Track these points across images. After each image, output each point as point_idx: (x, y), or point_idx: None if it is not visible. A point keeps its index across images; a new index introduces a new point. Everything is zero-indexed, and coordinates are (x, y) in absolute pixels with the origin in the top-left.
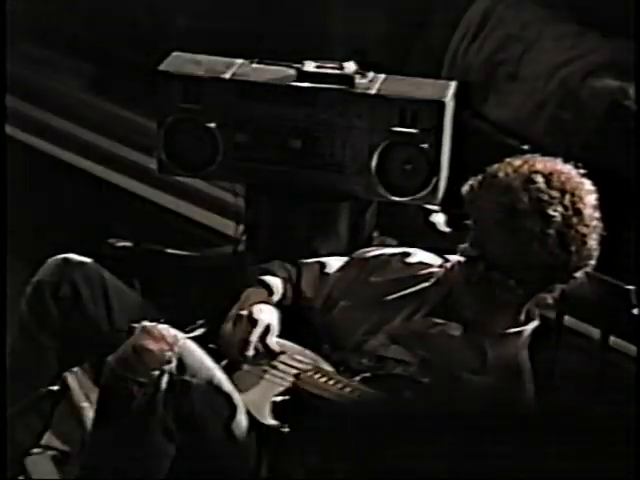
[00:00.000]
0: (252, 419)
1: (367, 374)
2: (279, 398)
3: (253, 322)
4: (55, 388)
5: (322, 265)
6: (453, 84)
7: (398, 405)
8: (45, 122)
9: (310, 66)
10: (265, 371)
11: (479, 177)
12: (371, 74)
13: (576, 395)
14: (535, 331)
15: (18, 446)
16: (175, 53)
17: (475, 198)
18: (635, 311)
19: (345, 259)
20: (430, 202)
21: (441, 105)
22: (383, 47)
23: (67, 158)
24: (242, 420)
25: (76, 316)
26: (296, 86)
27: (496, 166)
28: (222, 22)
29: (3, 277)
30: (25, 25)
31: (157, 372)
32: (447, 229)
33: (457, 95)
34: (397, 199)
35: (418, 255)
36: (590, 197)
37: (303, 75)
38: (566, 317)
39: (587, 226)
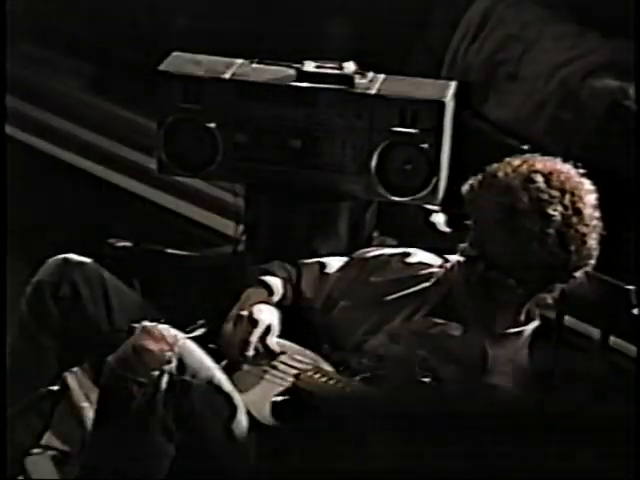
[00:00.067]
0: (252, 419)
1: (367, 374)
2: (279, 398)
3: (253, 322)
4: (55, 388)
5: (322, 265)
6: (453, 84)
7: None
8: (45, 122)
9: (310, 66)
10: (265, 371)
11: (479, 177)
12: (371, 74)
13: (576, 395)
14: (535, 331)
15: (18, 446)
16: (175, 53)
17: (475, 198)
18: (635, 311)
19: (345, 259)
20: (430, 202)
21: (441, 105)
22: (383, 47)
23: (67, 158)
24: (242, 420)
25: (76, 316)
26: (296, 86)
27: (496, 166)
28: (222, 22)
29: (3, 277)
30: (25, 25)
31: (157, 372)
32: (447, 229)
33: (457, 95)
34: (397, 199)
35: (418, 255)
36: (590, 197)
37: (303, 75)
38: (566, 317)
39: (587, 226)
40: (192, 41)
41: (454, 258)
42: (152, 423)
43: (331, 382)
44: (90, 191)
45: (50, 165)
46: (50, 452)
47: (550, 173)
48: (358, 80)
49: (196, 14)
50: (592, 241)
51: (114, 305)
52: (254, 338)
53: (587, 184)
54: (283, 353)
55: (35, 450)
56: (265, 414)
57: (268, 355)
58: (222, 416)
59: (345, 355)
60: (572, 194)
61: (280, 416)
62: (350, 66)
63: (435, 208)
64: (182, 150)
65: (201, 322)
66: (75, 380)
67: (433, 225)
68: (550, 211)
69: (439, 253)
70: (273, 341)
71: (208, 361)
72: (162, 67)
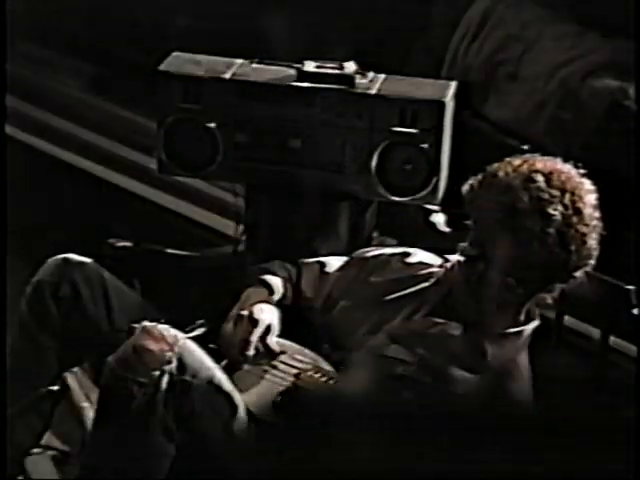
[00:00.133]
0: (252, 419)
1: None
2: (279, 398)
3: (254, 322)
4: (55, 388)
5: (322, 265)
6: (453, 84)
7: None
8: (45, 122)
9: (310, 66)
10: (265, 371)
11: (479, 176)
12: (371, 74)
13: (576, 395)
14: (535, 331)
15: (18, 446)
16: (175, 53)
17: (475, 197)
18: (635, 311)
19: (345, 259)
20: (430, 202)
21: (441, 105)
22: (383, 47)
23: (67, 158)
24: (242, 420)
25: (76, 316)
26: (296, 86)
27: (496, 165)
28: (222, 22)
29: (3, 277)
30: (25, 25)
31: (157, 372)
32: (447, 229)
33: (457, 95)
34: (397, 199)
35: (418, 255)
36: (590, 197)
37: (303, 75)
38: (566, 317)
39: (587, 225)
40: (192, 41)
41: (454, 258)
42: (152, 423)
43: (331, 382)
44: (90, 191)
45: (50, 165)
46: (50, 452)
47: (551, 173)
48: (358, 80)
49: (196, 14)
50: (592, 241)
51: (114, 305)
52: (254, 338)
53: (587, 184)
54: (283, 353)
55: (35, 450)
56: (265, 414)
57: (268, 355)
58: (222, 416)
59: (345, 355)
60: (572, 194)
61: (281, 416)
62: (350, 66)
63: (435, 208)
64: (182, 150)
65: (201, 322)
66: (75, 380)
67: (433, 225)
68: (550, 211)
69: (439, 253)
70: (273, 341)
71: (208, 361)
72: (162, 67)
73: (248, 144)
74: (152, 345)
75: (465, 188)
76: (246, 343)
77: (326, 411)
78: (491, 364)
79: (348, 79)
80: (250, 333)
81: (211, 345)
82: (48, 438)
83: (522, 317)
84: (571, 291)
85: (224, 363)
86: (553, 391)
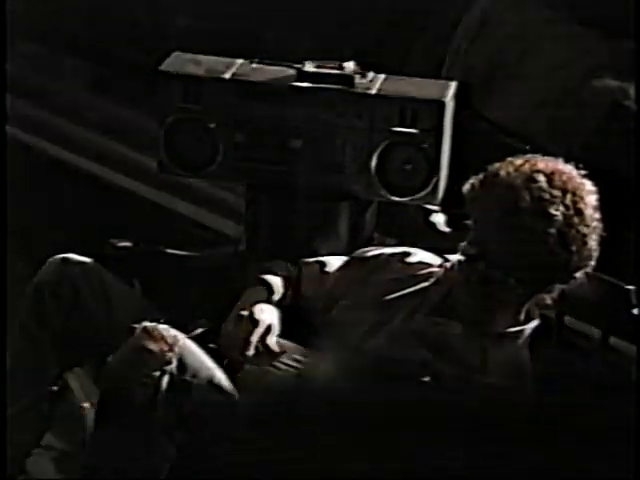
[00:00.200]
0: (252, 418)
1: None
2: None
3: (254, 322)
4: (55, 388)
5: (322, 264)
6: (453, 84)
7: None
8: (45, 122)
9: (310, 66)
10: (266, 371)
11: (480, 176)
12: (371, 74)
13: (576, 395)
14: (535, 331)
15: (18, 446)
16: (175, 53)
17: (476, 197)
18: (635, 311)
19: (345, 259)
20: (430, 202)
21: (441, 105)
22: (383, 47)
23: (67, 158)
24: (242, 420)
25: (76, 316)
26: (296, 86)
27: (497, 165)
28: (222, 22)
29: (3, 277)
30: (25, 25)
31: (157, 372)
32: (447, 229)
33: (457, 95)
34: (397, 199)
35: (418, 255)
36: (591, 197)
37: (303, 75)
38: (566, 317)
39: (588, 226)
40: (192, 41)
41: (454, 258)
42: (152, 423)
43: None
44: (90, 191)
45: (50, 165)
46: (50, 452)
47: (552, 173)
48: (358, 80)
49: (196, 14)
50: (592, 242)
51: (114, 305)
52: (255, 338)
53: (588, 185)
54: (283, 353)
55: (35, 450)
56: (265, 413)
57: (268, 355)
58: (222, 416)
59: (345, 355)
60: (574, 194)
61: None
62: (350, 66)
63: (435, 208)
64: (182, 150)
65: (201, 322)
66: (75, 380)
67: (433, 225)
68: (552, 211)
69: (439, 253)
70: (273, 341)
71: (208, 361)
72: (162, 67)
73: (248, 144)
74: (152, 345)
75: (466, 187)
76: (246, 343)
77: (325, 414)
78: (491, 363)
79: (348, 79)
80: (250, 333)
81: (211, 345)
82: (48, 438)
83: (522, 317)
84: (571, 291)
85: (224, 363)
86: (553, 391)
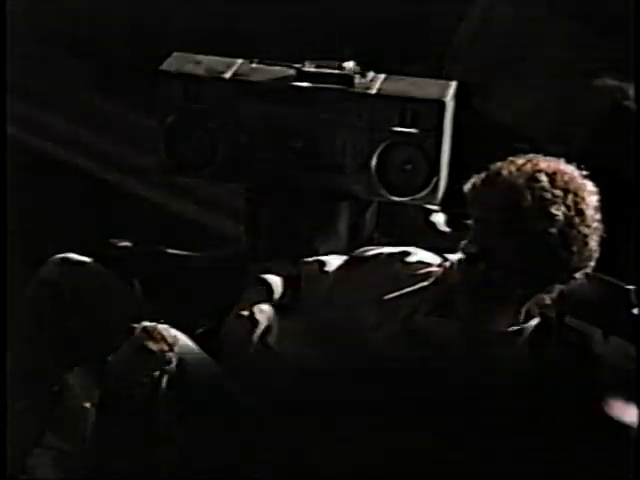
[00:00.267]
0: (253, 418)
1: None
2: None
3: (254, 322)
4: (55, 388)
5: (322, 264)
6: (453, 84)
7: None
8: (45, 122)
9: (310, 66)
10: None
11: (482, 175)
12: (371, 74)
13: (576, 395)
14: (535, 330)
15: (18, 446)
16: (175, 53)
17: (477, 196)
18: (635, 311)
19: (345, 258)
20: (430, 202)
21: (441, 105)
22: (383, 47)
23: (67, 158)
24: (242, 420)
25: (76, 316)
26: (296, 86)
27: (499, 164)
28: (222, 22)
29: (3, 277)
30: (25, 25)
31: (157, 372)
32: (447, 229)
33: (457, 95)
34: (397, 199)
35: (418, 254)
36: (592, 198)
37: (303, 75)
38: (566, 317)
39: (589, 227)
40: (192, 41)
41: (454, 257)
42: (152, 423)
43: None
44: (90, 191)
45: (50, 165)
46: (50, 452)
47: (554, 173)
48: (358, 80)
49: (196, 14)
50: (593, 243)
51: (114, 305)
52: (255, 338)
53: (590, 186)
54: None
55: (35, 450)
56: (266, 413)
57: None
58: (222, 415)
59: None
60: (575, 195)
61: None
62: (350, 66)
63: (435, 208)
64: (182, 150)
65: (202, 322)
66: (75, 380)
67: (433, 225)
68: (553, 211)
69: (439, 253)
70: (273, 340)
71: (208, 361)
72: (162, 67)
73: (248, 144)
74: (152, 345)
75: (467, 186)
76: (246, 343)
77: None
78: (491, 363)
79: (348, 79)
80: (250, 333)
81: (211, 345)
82: (48, 438)
83: (522, 316)
84: (571, 291)
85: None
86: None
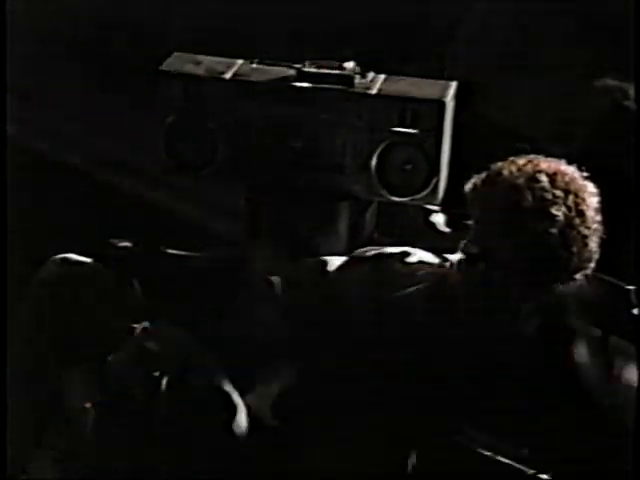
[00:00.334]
0: (252, 419)
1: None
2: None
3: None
4: (55, 388)
5: (322, 264)
6: (453, 84)
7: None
8: (45, 122)
9: (310, 66)
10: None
11: (482, 175)
12: (371, 74)
13: (575, 395)
14: (535, 330)
15: (18, 446)
16: (175, 53)
17: (478, 196)
18: (635, 311)
19: (345, 258)
20: (430, 202)
21: (441, 105)
22: (383, 47)
23: (67, 158)
24: (242, 420)
25: (76, 316)
26: (296, 86)
27: (500, 164)
28: (222, 22)
29: (3, 277)
30: (25, 25)
31: (157, 373)
32: (447, 229)
33: (457, 95)
34: (397, 199)
35: (418, 255)
36: (592, 199)
37: (303, 75)
38: (566, 317)
39: (589, 228)
40: (192, 41)
41: (454, 257)
42: (152, 423)
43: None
44: (90, 191)
45: (50, 165)
46: (50, 452)
47: (555, 174)
48: (358, 80)
49: (196, 14)
50: (593, 243)
51: (114, 305)
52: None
53: (590, 187)
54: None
55: (35, 450)
56: (266, 414)
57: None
58: (222, 416)
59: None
60: (576, 195)
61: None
62: (350, 66)
63: (435, 208)
64: (182, 150)
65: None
66: (75, 380)
67: (433, 225)
68: (554, 211)
69: (439, 253)
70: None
71: (208, 361)
72: (162, 67)
73: (248, 144)
74: (152, 345)
75: (468, 186)
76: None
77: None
78: (491, 363)
79: (348, 79)
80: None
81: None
82: (48, 438)
83: (522, 316)
84: (571, 291)
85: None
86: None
